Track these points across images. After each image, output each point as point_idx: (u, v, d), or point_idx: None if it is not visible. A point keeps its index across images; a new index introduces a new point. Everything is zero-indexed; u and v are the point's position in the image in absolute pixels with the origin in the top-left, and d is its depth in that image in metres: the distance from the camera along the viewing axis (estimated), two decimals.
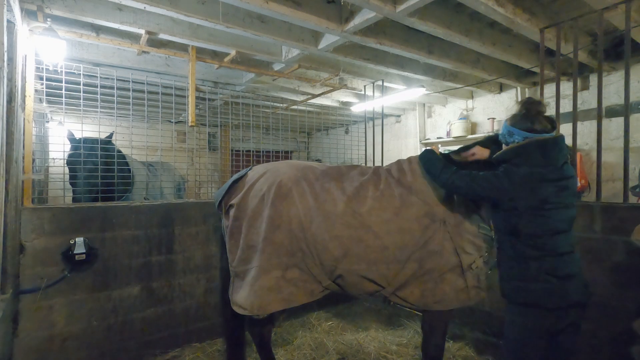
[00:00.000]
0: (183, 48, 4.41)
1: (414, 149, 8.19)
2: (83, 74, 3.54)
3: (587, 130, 5.52)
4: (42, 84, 3.54)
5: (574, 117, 3.28)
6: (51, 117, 6.70)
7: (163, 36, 4.01)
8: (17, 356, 2.82)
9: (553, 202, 1.94)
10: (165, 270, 3.52)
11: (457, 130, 7.04)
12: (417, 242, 2.37)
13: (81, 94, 3.51)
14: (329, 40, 4.20)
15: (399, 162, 2.70)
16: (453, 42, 4.42)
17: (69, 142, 3.95)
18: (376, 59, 4.97)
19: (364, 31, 3.92)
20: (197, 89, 4.60)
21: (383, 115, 6.62)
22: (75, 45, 4.37)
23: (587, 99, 5.54)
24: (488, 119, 6.71)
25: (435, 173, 2.32)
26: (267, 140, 8.92)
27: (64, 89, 3.48)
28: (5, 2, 2.36)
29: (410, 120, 8.53)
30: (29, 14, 3.27)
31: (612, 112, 5.22)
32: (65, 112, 6.05)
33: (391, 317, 4.28)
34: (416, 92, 5.87)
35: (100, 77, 3.73)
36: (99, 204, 3.34)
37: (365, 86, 6.11)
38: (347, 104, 7.51)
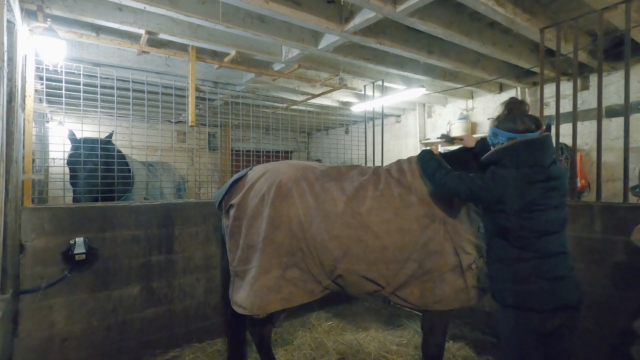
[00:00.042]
0: (183, 48, 4.41)
1: (414, 149, 8.19)
2: (83, 74, 3.54)
3: (587, 130, 5.52)
4: (42, 84, 3.54)
5: (574, 117, 3.29)
6: (51, 117, 6.70)
7: (163, 36, 4.02)
8: (17, 356, 2.82)
9: (540, 203, 1.92)
10: (165, 270, 3.52)
11: (457, 130, 7.04)
12: (417, 242, 2.37)
13: (81, 94, 3.51)
14: (329, 40, 4.20)
15: (398, 162, 2.70)
16: (453, 42, 4.42)
17: (69, 142, 3.95)
18: (376, 59, 4.97)
19: (364, 31, 3.92)
20: (197, 89, 4.60)
21: (383, 115, 6.62)
22: (75, 45, 4.37)
23: (587, 99, 5.54)
24: (488, 119, 6.70)
25: (430, 174, 2.33)
26: (267, 140, 8.92)
27: (64, 89, 3.48)
28: (5, 2, 2.36)
29: (410, 120, 8.53)
30: (29, 14, 3.27)
31: (612, 112, 5.23)
32: (65, 112, 6.05)
33: (391, 317, 4.28)
34: (416, 92, 5.87)
35: (100, 77, 3.73)
36: (99, 204, 3.34)
37: (365, 86, 6.11)
38: (347, 104, 7.51)
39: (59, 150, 3.75)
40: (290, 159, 10.40)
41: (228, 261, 2.66)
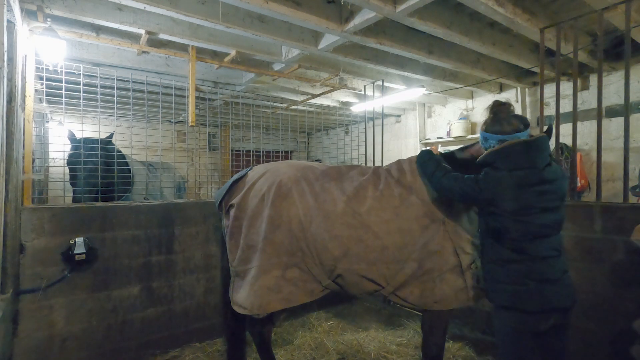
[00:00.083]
0: (183, 48, 4.41)
1: (414, 149, 8.19)
2: (83, 74, 3.54)
3: (587, 130, 5.52)
4: (42, 84, 3.54)
5: (574, 117, 3.28)
6: (51, 117, 6.71)
7: (163, 36, 4.02)
8: (17, 356, 2.82)
9: (534, 206, 1.92)
10: (165, 270, 3.52)
11: (457, 130, 7.04)
12: (417, 242, 2.37)
13: (81, 94, 3.51)
14: (329, 40, 4.20)
15: (398, 162, 2.70)
16: (453, 42, 4.42)
17: (69, 142, 3.95)
18: (376, 59, 4.97)
19: (364, 31, 3.92)
20: (197, 89, 4.61)
21: (383, 115, 6.62)
22: (75, 45, 4.37)
23: (587, 99, 5.54)
24: None
25: (428, 174, 2.33)
26: (267, 140, 8.92)
27: (64, 89, 3.48)
28: (5, 2, 2.36)
29: (410, 120, 8.53)
30: (29, 14, 3.28)
31: (612, 112, 5.23)
32: (65, 112, 6.05)
33: (391, 317, 4.28)
34: (416, 92, 5.87)
35: (100, 77, 3.73)
36: (99, 204, 3.34)
37: (365, 86, 6.11)
38: (347, 104, 7.51)
39: (59, 150, 3.75)
40: (290, 159, 10.40)
41: (228, 261, 2.66)
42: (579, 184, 5.15)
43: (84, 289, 3.12)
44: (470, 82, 6.21)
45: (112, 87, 3.89)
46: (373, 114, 6.29)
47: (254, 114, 6.02)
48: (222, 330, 3.55)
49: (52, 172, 5.01)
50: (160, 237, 3.49)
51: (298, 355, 3.39)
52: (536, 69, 5.12)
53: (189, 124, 4.30)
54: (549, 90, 4.12)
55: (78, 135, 3.91)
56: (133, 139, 3.94)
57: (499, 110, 2.10)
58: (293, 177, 2.59)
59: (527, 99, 6.37)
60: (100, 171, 3.69)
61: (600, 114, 3.10)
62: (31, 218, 2.91)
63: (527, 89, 6.29)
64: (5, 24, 2.34)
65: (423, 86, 5.85)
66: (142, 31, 3.82)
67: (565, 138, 4.23)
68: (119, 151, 4.26)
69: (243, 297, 2.48)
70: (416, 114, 8.17)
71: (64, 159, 3.75)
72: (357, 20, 3.65)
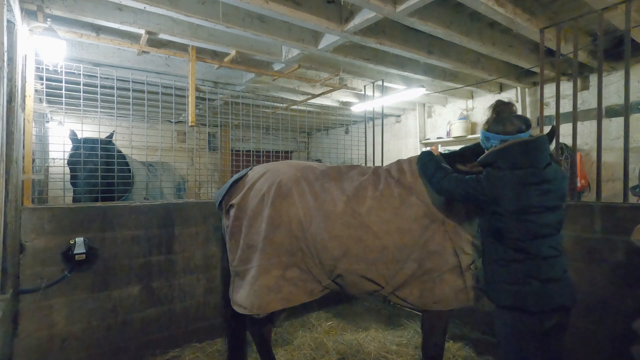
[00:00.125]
0: (183, 48, 4.41)
1: (414, 149, 8.19)
2: (83, 74, 3.54)
3: (587, 130, 5.52)
4: (42, 84, 3.54)
5: (574, 117, 3.29)
6: (51, 117, 6.71)
7: (163, 36, 4.02)
8: (17, 356, 2.82)
9: (535, 206, 1.92)
10: (165, 270, 3.52)
11: (457, 130, 7.04)
12: (417, 242, 2.37)
13: (81, 94, 3.51)
14: (329, 40, 4.20)
15: (398, 162, 2.70)
16: (453, 42, 4.42)
17: (70, 142, 3.95)
18: (376, 59, 4.97)
19: (364, 31, 3.92)
20: (197, 89, 4.61)
21: (383, 115, 6.62)
22: (75, 45, 4.37)
23: (587, 99, 5.54)
24: None
25: (428, 176, 2.34)
26: (267, 140, 8.93)
27: (64, 89, 3.48)
28: (5, 2, 2.36)
29: (410, 120, 8.53)
30: (29, 14, 3.28)
31: (612, 112, 5.23)
32: (65, 112, 6.05)
33: (391, 317, 4.28)
34: (416, 92, 5.87)
35: (100, 77, 3.73)
36: (99, 204, 3.34)
37: (365, 86, 6.11)
38: (347, 104, 7.51)
39: (59, 150, 3.76)
40: (290, 159, 10.40)
41: (228, 261, 2.66)
42: (579, 184, 5.15)
43: (84, 289, 3.12)
44: (470, 82, 6.21)
45: (112, 87, 3.89)
46: (373, 114, 6.29)
47: (254, 114, 6.02)
48: (222, 330, 3.56)
49: (52, 172, 5.01)
50: (160, 237, 3.49)
51: (298, 355, 3.39)
52: (536, 69, 5.12)
53: (189, 124, 4.30)
54: (549, 90, 4.12)
55: (79, 135, 3.91)
56: (133, 139, 3.94)
57: (501, 110, 2.10)
58: (293, 177, 2.59)
59: (527, 99, 6.37)
60: (101, 171, 3.69)
61: (600, 114, 3.10)
62: (31, 218, 2.91)
63: (527, 89, 6.29)
64: (5, 24, 2.34)
65: (423, 86, 5.85)
66: (142, 31, 3.82)
67: (565, 138, 4.24)
68: (119, 151, 4.27)
69: (243, 297, 2.48)
70: (416, 114, 8.17)
71: (64, 159, 3.75)
72: (357, 20, 3.65)
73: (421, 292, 2.41)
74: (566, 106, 4.91)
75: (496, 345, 2.19)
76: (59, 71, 3.46)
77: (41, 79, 3.45)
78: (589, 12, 3.32)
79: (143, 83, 4.14)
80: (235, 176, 2.79)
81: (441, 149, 7.48)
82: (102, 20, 3.55)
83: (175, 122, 6.06)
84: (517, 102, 6.37)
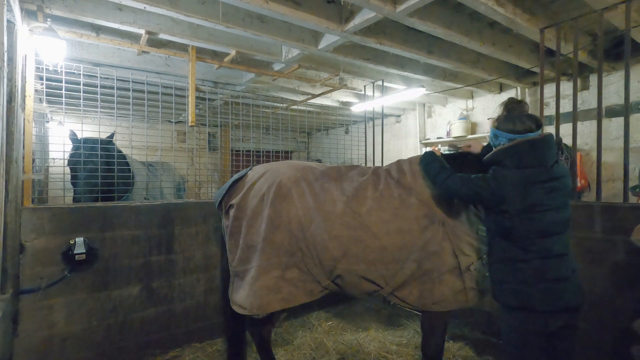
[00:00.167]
0: (183, 48, 4.41)
1: (414, 149, 8.19)
2: (83, 74, 3.54)
3: (587, 130, 5.52)
4: (42, 84, 3.54)
5: (574, 117, 3.28)
6: (51, 117, 6.70)
7: (163, 36, 4.02)
8: (17, 356, 2.82)
9: (543, 204, 1.91)
10: (165, 270, 3.52)
11: (457, 130, 7.04)
12: (416, 243, 2.37)
13: (81, 94, 3.51)
14: (329, 40, 4.20)
15: (399, 163, 2.70)
16: (453, 42, 4.42)
17: (70, 142, 3.95)
18: (376, 59, 4.97)
19: (364, 31, 3.92)
20: (197, 89, 4.60)
21: (383, 115, 6.62)
22: (75, 45, 4.37)
23: (587, 99, 5.54)
24: (488, 119, 6.71)
25: (432, 176, 2.33)
26: (267, 140, 8.93)
27: (64, 89, 3.48)
28: (5, 2, 2.36)
29: (410, 120, 8.53)
30: (29, 14, 3.28)
31: (612, 112, 5.23)
32: (65, 112, 6.05)
33: (391, 317, 4.28)
34: (416, 92, 5.87)
35: (100, 77, 3.73)
36: (99, 204, 3.34)
37: (365, 86, 6.11)
38: (347, 104, 7.51)
39: (59, 150, 3.76)
40: (290, 159, 10.40)
41: (228, 261, 2.66)
42: (579, 184, 5.15)
43: (84, 289, 3.12)
44: (470, 82, 6.21)
45: (112, 87, 3.89)
46: (373, 114, 6.29)
47: (254, 114, 6.02)
48: (222, 330, 3.56)
49: (52, 172, 5.01)
50: (160, 237, 3.49)
51: (298, 355, 3.39)
52: (536, 69, 5.12)
53: (189, 124, 4.30)
54: (549, 90, 4.11)
55: (79, 135, 3.91)
56: (133, 139, 3.94)
57: (512, 109, 2.10)
58: (293, 178, 2.59)
59: (527, 99, 6.37)
60: (101, 171, 3.69)
61: (600, 114, 3.10)
62: (31, 218, 2.91)
63: (527, 89, 6.29)
64: (5, 24, 2.34)
65: (423, 86, 5.84)
66: (142, 31, 3.82)
67: (565, 138, 4.23)
68: (120, 151, 4.26)
69: (242, 297, 2.48)
70: (416, 114, 8.17)
71: (64, 159, 3.75)
72: (357, 20, 3.65)
73: (420, 293, 2.40)
74: (566, 106, 4.91)
75: (497, 345, 2.19)
76: (59, 71, 3.46)
77: (41, 79, 3.45)
78: (589, 12, 3.32)
79: (143, 83, 4.14)
80: (235, 176, 2.79)
81: (441, 149, 7.48)
82: (102, 20, 3.55)
83: (175, 122, 6.06)
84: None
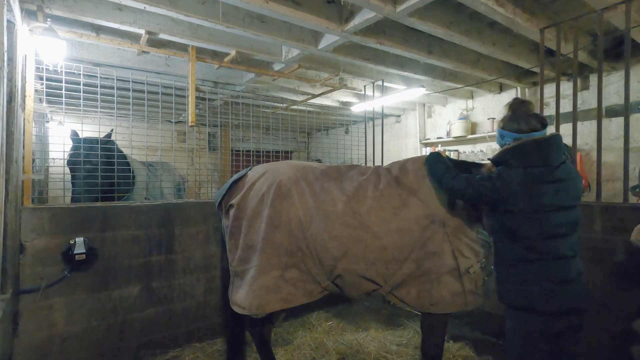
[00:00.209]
0: (183, 48, 4.41)
1: (414, 149, 8.19)
2: (83, 74, 3.54)
3: (587, 130, 5.52)
4: (42, 84, 3.54)
5: (574, 117, 3.29)
6: (51, 117, 6.71)
7: (163, 36, 4.01)
8: (17, 356, 2.82)
9: (549, 204, 1.90)
10: (165, 270, 3.52)
11: (457, 130, 7.04)
12: (416, 243, 2.37)
13: (81, 94, 3.51)
14: (329, 40, 4.20)
15: (400, 162, 2.70)
16: (453, 42, 4.41)
17: (71, 142, 3.95)
18: (376, 59, 4.97)
19: (364, 31, 3.92)
20: (197, 89, 4.61)
21: (383, 115, 6.62)
22: (75, 45, 4.37)
23: (587, 99, 5.54)
24: (488, 119, 6.71)
25: (438, 176, 2.33)
26: (267, 140, 8.93)
27: (64, 89, 3.49)
28: (5, 2, 2.36)
29: (410, 120, 8.53)
30: (29, 14, 3.27)
31: (612, 112, 5.22)
32: (65, 112, 6.05)
33: (391, 317, 4.28)
34: (416, 92, 5.87)
35: (100, 77, 3.73)
36: (99, 204, 3.34)
37: (365, 86, 6.11)
38: (347, 104, 7.50)
39: (59, 150, 3.76)
40: (290, 159, 10.40)
41: (228, 261, 2.66)
42: None
43: (84, 289, 3.12)
44: (470, 82, 6.21)
45: (112, 87, 3.89)
46: (373, 114, 6.28)
47: (254, 114, 6.02)
48: (222, 330, 3.56)
49: (52, 172, 5.01)
50: (160, 237, 3.49)
51: (298, 355, 3.39)
52: (536, 69, 5.12)
53: (189, 124, 4.30)
54: (549, 90, 4.11)
55: (80, 135, 3.91)
56: (133, 139, 3.94)
57: (517, 108, 2.10)
58: (293, 178, 2.59)
59: (528, 99, 6.36)
60: (102, 171, 3.68)
61: (600, 114, 3.10)
62: (31, 218, 2.91)
63: (527, 89, 6.29)
64: (5, 24, 2.34)
65: (423, 86, 5.84)
66: (142, 31, 3.81)
67: (565, 138, 4.22)
68: (120, 151, 4.26)
69: (242, 297, 2.48)
70: (416, 114, 8.16)
71: (64, 159, 3.75)
72: (357, 20, 3.65)
73: (419, 293, 2.40)
74: (566, 106, 4.90)
75: (497, 345, 2.18)
76: (59, 71, 3.46)
77: (41, 79, 3.45)
78: (589, 12, 3.32)
79: (143, 83, 4.14)
80: (235, 176, 2.79)
81: (440, 149, 7.48)
82: (102, 20, 3.55)
83: (175, 122, 6.06)
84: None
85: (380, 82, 5.75)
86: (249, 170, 2.81)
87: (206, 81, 5.74)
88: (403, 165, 2.65)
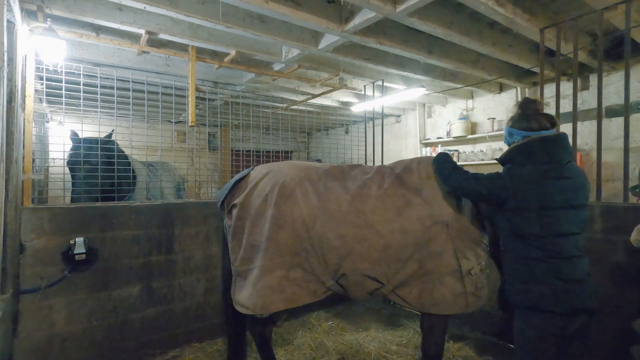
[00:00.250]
0: (183, 48, 4.41)
1: (414, 149, 8.19)
2: (83, 74, 3.54)
3: (587, 130, 5.52)
4: (42, 84, 3.54)
5: (574, 117, 3.29)
6: (51, 117, 6.70)
7: (163, 36, 4.02)
8: (17, 356, 2.82)
9: (558, 200, 1.90)
10: (165, 270, 3.52)
11: (457, 130, 7.04)
12: (419, 242, 2.38)
13: (81, 94, 3.51)
14: (329, 40, 4.20)
15: (405, 163, 2.71)
16: (453, 42, 4.42)
17: (71, 142, 3.95)
18: (376, 59, 4.97)
19: (364, 31, 3.92)
20: (197, 89, 4.60)
21: (383, 115, 6.62)
22: (75, 45, 4.37)
23: (587, 99, 5.54)
24: (488, 119, 6.71)
25: (445, 175, 2.35)
26: (267, 140, 8.92)
27: (64, 89, 3.48)
28: (5, 2, 2.36)
29: (410, 120, 8.53)
30: (29, 14, 3.28)
31: (612, 112, 5.23)
32: (65, 112, 6.05)
33: (391, 317, 4.28)
34: (416, 92, 5.87)
35: (100, 77, 3.73)
36: (99, 204, 3.34)
37: (365, 86, 6.11)
38: (347, 104, 7.51)
39: (59, 150, 3.76)
40: (290, 159, 10.40)
41: (229, 261, 2.66)
42: None
43: (84, 289, 3.12)
44: (470, 82, 6.21)
45: (112, 87, 3.89)
46: (373, 114, 6.29)
47: (254, 114, 6.02)
48: (222, 330, 3.56)
49: (52, 172, 5.01)
50: (160, 237, 3.49)
51: (298, 355, 3.39)
52: (536, 69, 5.12)
53: (189, 124, 4.31)
54: (549, 90, 4.11)
55: (81, 136, 3.91)
56: (133, 139, 3.94)
57: (527, 107, 2.11)
58: (296, 177, 2.60)
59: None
60: (102, 171, 3.68)
61: (600, 114, 3.10)
62: (31, 218, 2.90)
63: (527, 89, 6.29)
64: (5, 24, 2.34)
65: (423, 86, 5.85)
66: (142, 31, 3.82)
67: None
68: (122, 151, 4.26)
69: (245, 297, 2.48)
70: (416, 114, 8.17)
71: (64, 159, 3.75)
72: (357, 20, 3.65)
73: (420, 293, 2.41)
74: (566, 106, 4.90)
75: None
76: (59, 71, 3.46)
77: (41, 79, 3.45)
78: (589, 12, 3.32)
79: (143, 83, 4.14)
80: (237, 176, 2.79)
81: (440, 149, 7.48)
82: (102, 20, 3.55)
83: (175, 122, 6.06)
84: (516, 103, 6.37)
85: (380, 82, 5.75)
86: (251, 170, 2.81)
87: (206, 81, 5.74)
88: (407, 165, 2.65)
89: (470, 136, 6.94)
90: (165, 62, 5.09)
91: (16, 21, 2.69)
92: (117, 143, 4.17)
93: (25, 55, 3.07)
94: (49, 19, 3.27)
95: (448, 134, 7.35)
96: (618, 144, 4.98)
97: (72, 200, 3.85)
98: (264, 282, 2.43)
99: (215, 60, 4.71)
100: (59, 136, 3.94)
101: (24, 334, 2.86)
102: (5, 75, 2.36)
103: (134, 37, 4.17)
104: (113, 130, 4.11)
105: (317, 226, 2.43)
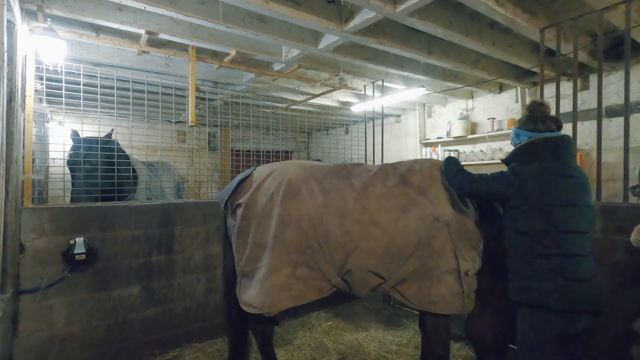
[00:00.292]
0: (183, 48, 4.41)
1: (414, 149, 8.19)
2: (83, 74, 3.54)
3: (587, 130, 5.52)
4: (42, 84, 3.54)
5: (574, 117, 3.29)
6: (51, 117, 6.70)
7: (163, 36, 4.01)
8: (17, 356, 2.82)
9: (563, 198, 1.93)
10: (165, 270, 3.52)
11: (457, 130, 7.04)
12: (422, 240, 2.41)
13: (81, 94, 3.51)
14: (329, 40, 4.20)
15: (409, 163, 2.73)
16: (453, 42, 4.42)
17: (71, 142, 3.94)
18: (376, 59, 4.97)
19: (364, 31, 3.92)
20: (197, 89, 4.60)
21: (383, 115, 6.62)
22: (75, 45, 4.37)
23: (587, 99, 5.54)
24: (488, 119, 6.71)
25: (450, 176, 2.39)
26: (267, 140, 8.92)
27: (64, 89, 3.49)
28: (5, 2, 2.36)
29: (410, 120, 8.53)
30: (29, 14, 3.27)
31: (612, 112, 5.22)
32: (65, 112, 6.04)
33: (391, 317, 4.28)
34: (416, 92, 5.87)
35: (100, 77, 3.73)
36: (99, 204, 3.34)
37: (365, 86, 6.11)
38: (347, 104, 7.51)
39: (59, 150, 3.76)
40: (291, 158, 10.40)
41: (231, 261, 2.67)
42: None
43: (84, 289, 3.12)
44: (470, 82, 6.21)
45: (112, 87, 3.89)
46: (373, 114, 6.28)
47: (254, 114, 6.02)
48: (222, 330, 3.56)
49: (52, 172, 5.01)
50: (160, 237, 3.49)
51: (298, 355, 3.39)
52: (536, 69, 5.12)
53: (189, 124, 4.30)
54: (549, 90, 4.11)
55: (82, 135, 3.91)
56: (133, 139, 3.94)
57: (535, 110, 2.17)
58: (302, 176, 2.61)
59: (527, 99, 6.37)
60: (102, 171, 3.68)
61: (600, 114, 3.10)
62: (31, 218, 2.90)
63: (527, 89, 6.29)
64: (5, 24, 2.34)
65: (423, 86, 5.84)
66: (142, 31, 3.81)
67: None
68: (122, 151, 4.25)
69: (253, 296, 2.48)
70: (416, 114, 8.17)
71: (64, 159, 3.75)
72: (357, 20, 3.65)
73: (418, 289, 2.43)
74: (566, 106, 4.90)
75: (516, 348, 2.13)
76: (59, 71, 3.46)
77: (41, 79, 3.45)
78: (589, 12, 3.32)
79: (143, 83, 4.14)
80: (240, 176, 2.80)
81: (440, 149, 7.48)
82: (102, 20, 3.55)
83: (175, 122, 6.05)
84: (517, 102, 6.37)
85: (380, 82, 5.75)
86: (254, 170, 2.82)
87: (206, 81, 5.74)
88: (411, 165, 2.69)
89: (470, 136, 6.94)
90: (165, 62, 5.08)
91: (16, 21, 2.69)
92: (117, 143, 4.17)
93: (25, 55, 3.07)
94: (49, 19, 3.27)
95: (448, 134, 7.35)
96: (618, 144, 4.98)
97: (72, 200, 3.85)
98: (271, 280, 2.44)
99: (215, 60, 4.71)
100: (59, 136, 3.94)
101: (24, 334, 2.86)
102: (5, 75, 2.36)
103: (134, 37, 4.17)
104: (112, 130, 4.11)
105: (324, 223, 2.46)
